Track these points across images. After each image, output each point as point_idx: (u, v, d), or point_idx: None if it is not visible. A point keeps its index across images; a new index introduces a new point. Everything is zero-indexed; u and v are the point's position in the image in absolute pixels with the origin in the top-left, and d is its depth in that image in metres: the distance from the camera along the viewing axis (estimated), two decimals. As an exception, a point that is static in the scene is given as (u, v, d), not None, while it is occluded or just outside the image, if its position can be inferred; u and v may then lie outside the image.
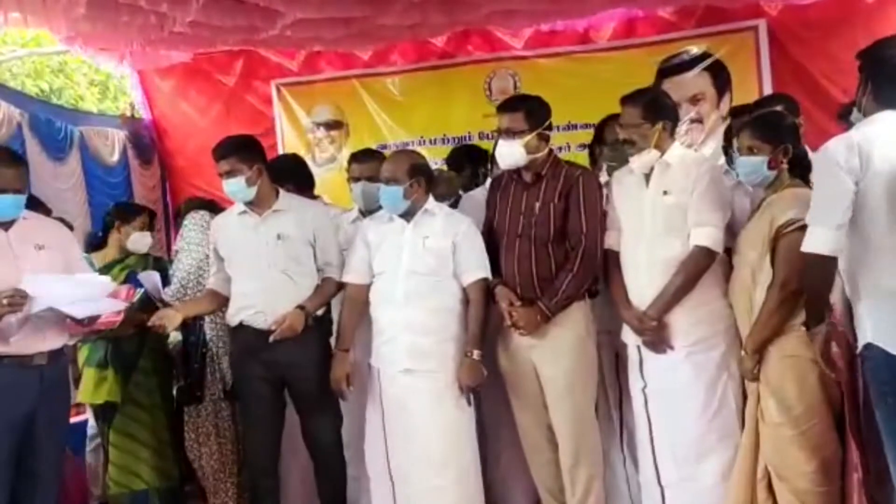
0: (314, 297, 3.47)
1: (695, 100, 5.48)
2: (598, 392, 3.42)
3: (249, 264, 3.47)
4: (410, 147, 5.62)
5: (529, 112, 3.35)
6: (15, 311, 2.87)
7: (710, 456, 3.13)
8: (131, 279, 3.80)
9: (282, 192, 3.57)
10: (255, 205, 3.49)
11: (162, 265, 4.21)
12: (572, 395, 3.31)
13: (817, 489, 2.86)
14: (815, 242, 2.50)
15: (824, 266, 2.51)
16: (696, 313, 3.13)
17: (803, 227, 2.78)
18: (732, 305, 3.11)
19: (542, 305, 3.26)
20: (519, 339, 3.35)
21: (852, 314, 2.59)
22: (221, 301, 3.60)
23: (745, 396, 3.10)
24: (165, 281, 3.93)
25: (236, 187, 3.43)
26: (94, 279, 3.26)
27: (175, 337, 4.02)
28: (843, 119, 3.21)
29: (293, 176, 3.91)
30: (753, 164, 3.00)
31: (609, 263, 3.33)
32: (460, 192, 4.06)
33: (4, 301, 2.84)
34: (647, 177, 3.23)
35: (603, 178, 3.61)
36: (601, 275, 3.39)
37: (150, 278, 3.76)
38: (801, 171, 3.03)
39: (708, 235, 3.10)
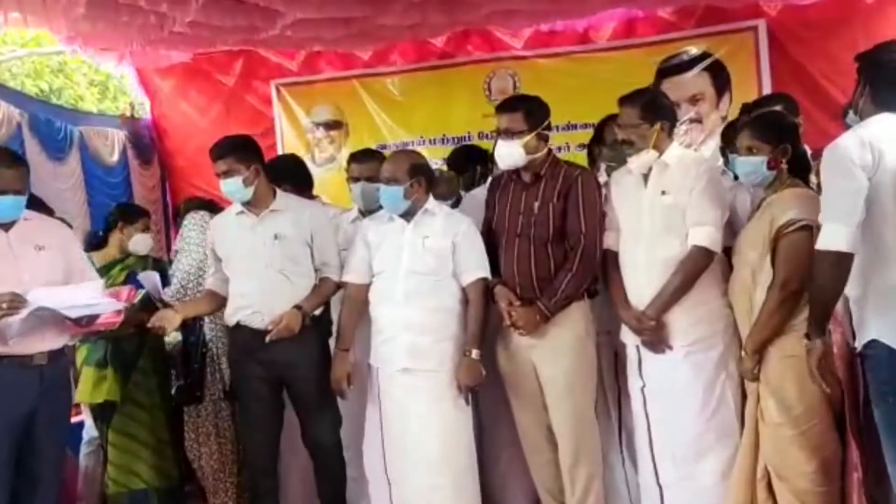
0: (311, 297, 3.47)
1: (694, 100, 5.48)
2: (597, 392, 3.42)
3: (246, 264, 3.47)
4: (410, 147, 5.62)
5: (528, 112, 3.35)
6: (12, 315, 2.87)
7: (708, 455, 3.14)
8: (132, 279, 3.80)
9: (279, 192, 3.56)
10: (252, 205, 3.49)
11: (161, 266, 4.22)
12: (572, 395, 3.31)
13: (817, 489, 2.86)
14: (832, 239, 2.43)
15: (840, 263, 2.43)
16: (694, 313, 3.13)
17: (804, 228, 2.78)
18: (732, 305, 3.11)
19: (542, 305, 3.26)
20: (518, 339, 3.35)
21: (852, 314, 2.58)
22: (220, 301, 3.59)
23: (743, 396, 3.10)
24: (165, 281, 3.94)
25: (233, 187, 3.43)
26: (88, 287, 3.21)
27: (175, 337, 4.02)
28: (845, 119, 3.21)
29: (291, 176, 3.91)
30: (753, 164, 2.99)
31: (608, 263, 3.33)
32: (462, 193, 4.06)
33: (4, 305, 2.85)
34: (646, 177, 3.23)
35: (602, 178, 3.61)
36: (600, 275, 3.39)
37: (151, 279, 3.77)
38: (800, 171, 3.03)
39: (706, 235, 3.09)
